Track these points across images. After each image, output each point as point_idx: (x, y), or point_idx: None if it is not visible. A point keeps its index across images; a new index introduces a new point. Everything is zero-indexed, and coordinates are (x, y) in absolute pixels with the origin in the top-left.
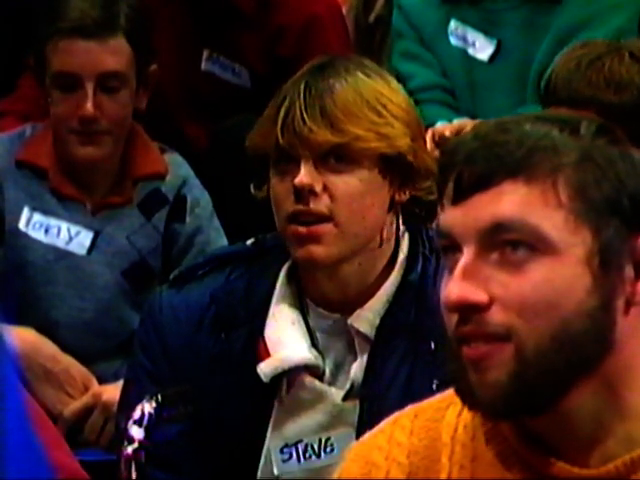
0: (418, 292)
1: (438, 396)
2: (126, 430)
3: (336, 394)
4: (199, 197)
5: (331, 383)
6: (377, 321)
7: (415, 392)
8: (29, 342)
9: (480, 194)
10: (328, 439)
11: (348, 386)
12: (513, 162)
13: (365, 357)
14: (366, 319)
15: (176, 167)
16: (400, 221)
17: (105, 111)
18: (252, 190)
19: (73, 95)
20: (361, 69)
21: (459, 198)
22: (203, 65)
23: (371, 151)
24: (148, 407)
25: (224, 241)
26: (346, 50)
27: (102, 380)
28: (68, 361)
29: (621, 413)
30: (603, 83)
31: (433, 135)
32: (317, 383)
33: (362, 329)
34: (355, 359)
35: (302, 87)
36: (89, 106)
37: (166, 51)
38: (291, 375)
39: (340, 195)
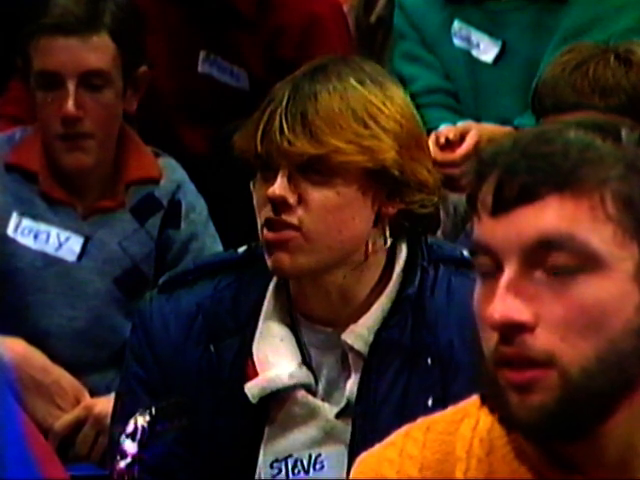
0: (415, 306)
1: (451, 408)
2: (119, 444)
3: (329, 410)
4: (194, 202)
5: (324, 399)
6: (371, 337)
7: (409, 410)
8: (18, 353)
9: (523, 207)
10: (318, 455)
11: (343, 404)
12: (559, 175)
13: (359, 374)
14: (359, 335)
15: (170, 171)
16: (387, 233)
17: (88, 111)
18: (252, 187)
19: (55, 95)
20: (355, 74)
21: (499, 210)
22: (200, 67)
23: (351, 164)
24: (141, 421)
25: (220, 248)
26: (348, 50)
27: (94, 392)
28: (59, 372)
29: None
30: (588, 88)
31: (437, 138)
32: (310, 398)
33: (356, 346)
34: (350, 375)
35: (287, 92)
36: (70, 105)
37: (161, 53)
38: (282, 393)
39: (315, 208)
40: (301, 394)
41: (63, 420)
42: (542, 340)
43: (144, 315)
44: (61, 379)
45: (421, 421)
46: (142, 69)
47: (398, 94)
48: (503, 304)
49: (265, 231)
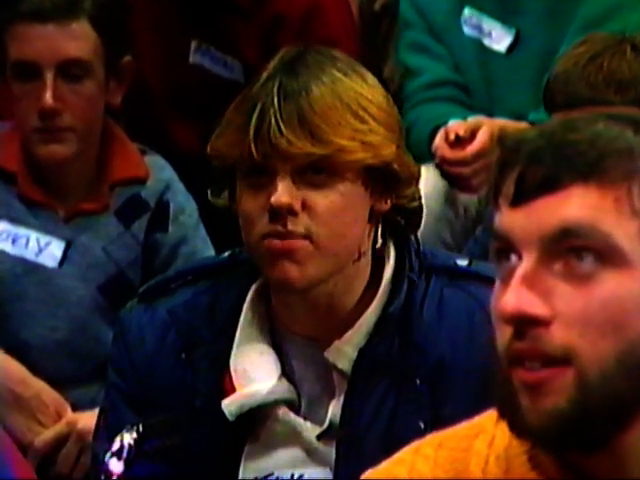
0: (401, 323)
1: (465, 423)
2: (104, 463)
3: (312, 430)
4: (183, 203)
5: (307, 417)
6: (355, 355)
7: (398, 434)
8: None
9: (545, 197)
10: (301, 476)
11: (326, 425)
12: (584, 164)
13: (343, 395)
14: (343, 353)
15: (158, 170)
16: (380, 232)
17: (67, 103)
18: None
19: (33, 86)
20: (335, 65)
21: (521, 200)
22: (191, 57)
23: (356, 163)
24: (128, 438)
25: (211, 252)
26: (351, 40)
27: (77, 407)
28: (39, 386)
29: None
30: (602, 83)
31: (446, 134)
32: (291, 416)
33: (339, 364)
34: (334, 393)
35: (275, 89)
36: (48, 97)
37: (149, 42)
38: (262, 410)
39: (320, 212)
40: (282, 411)
41: (44, 436)
42: (559, 335)
43: (123, 325)
44: (42, 393)
45: (432, 437)
46: (126, 59)
47: (375, 81)
48: (516, 296)
49: (269, 242)
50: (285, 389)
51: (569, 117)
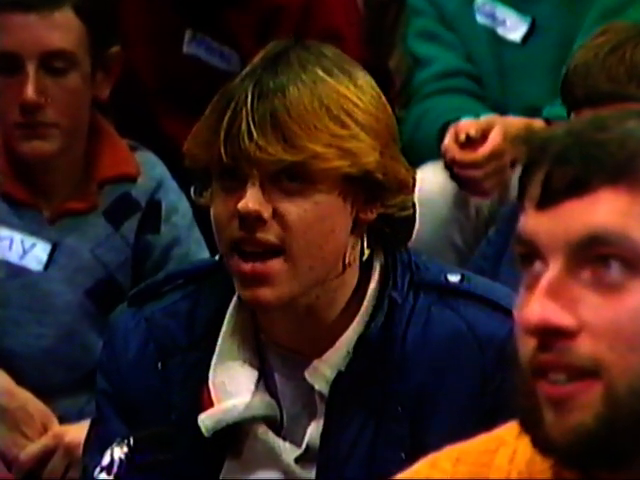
0: (382, 345)
1: (484, 436)
2: (93, 478)
3: (290, 451)
4: (176, 203)
5: (287, 436)
6: (333, 377)
7: (379, 463)
8: None
9: (572, 200)
10: None
11: (304, 448)
12: (614, 166)
13: (322, 420)
14: (321, 374)
15: (149, 168)
16: (365, 243)
17: (51, 97)
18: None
19: (14, 79)
20: (320, 63)
21: (547, 203)
22: (185, 48)
23: (332, 171)
24: (118, 452)
25: (206, 254)
26: (355, 29)
27: (65, 419)
28: (25, 396)
29: None
30: (624, 76)
31: (456, 133)
32: (270, 435)
33: (317, 386)
34: (315, 414)
35: (250, 89)
36: (30, 91)
37: (141, 31)
38: (241, 425)
39: (293, 223)
40: (261, 429)
41: (29, 450)
42: (587, 346)
43: (111, 329)
44: (27, 404)
45: (449, 450)
46: (114, 49)
47: (367, 82)
48: (541, 306)
49: (238, 261)
50: (264, 404)
51: (598, 114)
